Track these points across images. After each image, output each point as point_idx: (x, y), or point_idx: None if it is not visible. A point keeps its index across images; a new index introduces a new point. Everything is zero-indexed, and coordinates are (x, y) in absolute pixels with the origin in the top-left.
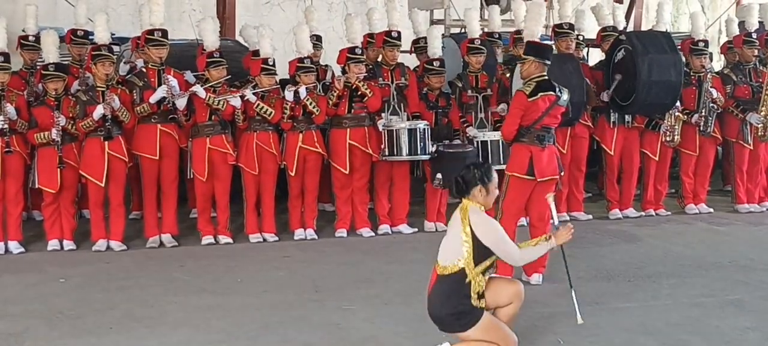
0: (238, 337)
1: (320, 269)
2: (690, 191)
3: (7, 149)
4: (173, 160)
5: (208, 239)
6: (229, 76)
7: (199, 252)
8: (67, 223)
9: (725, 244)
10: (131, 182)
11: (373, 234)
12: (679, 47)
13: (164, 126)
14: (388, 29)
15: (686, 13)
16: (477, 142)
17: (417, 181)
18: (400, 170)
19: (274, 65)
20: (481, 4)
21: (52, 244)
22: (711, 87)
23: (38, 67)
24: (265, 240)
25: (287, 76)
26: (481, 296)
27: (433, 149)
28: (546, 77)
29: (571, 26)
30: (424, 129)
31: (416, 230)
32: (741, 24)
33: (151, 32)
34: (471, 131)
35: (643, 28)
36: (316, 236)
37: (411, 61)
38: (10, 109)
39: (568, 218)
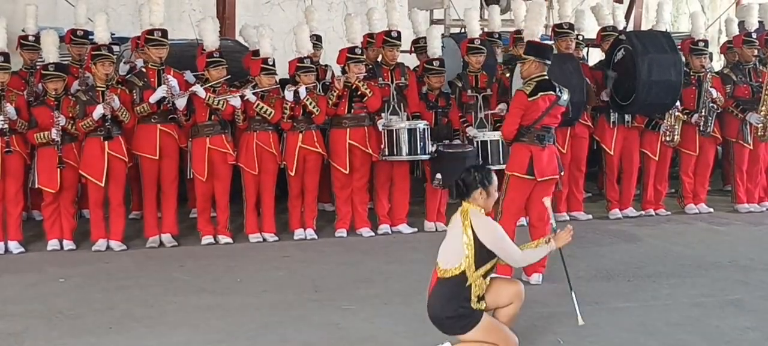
0: (237, 337)
1: (320, 268)
2: (690, 190)
3: (7, 149)
4: (173, 160)
5: (207, 239)
6: (229, 76)
7: (199, 252)
8: (66, 223)
9: (725, 244)
10: (131, 182)
11: (372, 234)
12: (679, 47)
13: (164, 126)
14: (387, 29)
15: (686, 13)
16: (477, 142)
17: (417, 181)
18: (400, 170)
19: (274, 65)
20: (481, 4)
21: (52, 244)
22: (711, 87)
23: (38, 67)
24: (264, 240)
25: (287, 76)
26: (481, 298)
27: (433, 149)
28: (546, 77)
29: (571, 26)
30: (423, 129)
31: (416, 229)
32: (741, 24)
33: (150, 32)
34: (471, 131)
35: (643, 27)
36: (315, 236)
37: (411, 61)
38: (10, 109)
39: (567, 218)
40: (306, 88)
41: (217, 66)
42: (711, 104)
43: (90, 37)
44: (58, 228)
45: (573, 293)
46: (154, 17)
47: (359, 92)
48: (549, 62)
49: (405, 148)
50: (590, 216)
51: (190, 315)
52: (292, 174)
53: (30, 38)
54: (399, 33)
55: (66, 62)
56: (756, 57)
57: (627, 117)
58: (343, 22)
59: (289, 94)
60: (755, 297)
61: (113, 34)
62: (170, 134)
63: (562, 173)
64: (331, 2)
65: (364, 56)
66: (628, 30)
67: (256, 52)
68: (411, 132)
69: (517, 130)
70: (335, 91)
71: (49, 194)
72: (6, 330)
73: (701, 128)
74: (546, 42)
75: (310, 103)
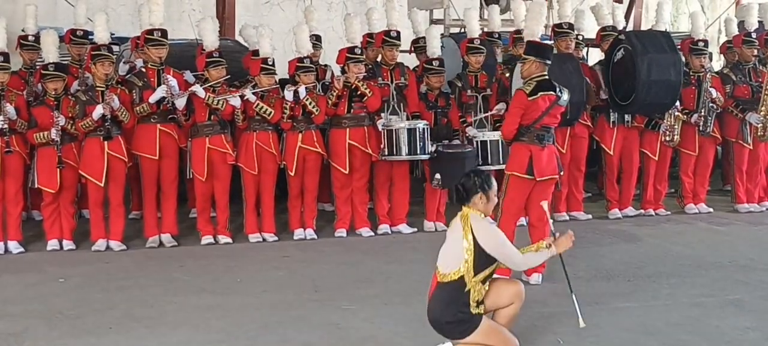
0: (237, 337)
1: (320, 269)
2: (690, 190)
3: (6, 149)
4: (173, 160)
5: (207, 239)
6: (229, 76)
7: (199, 252)
8: (66, 223)
9: (725, 244)
10: (131, 182)
11: (372, 234)
12: (679, 47)
13: (164, 126)
14: (387, 29)
15: (686, 12)
16: (476, 142)
17: (416, 181)
18: (399, 170)
19: (273, 65)
20: (481, 3)
21: (52, 244)
22: (710, 87)
23: (38, 67)
24: (264, 240)
25: (287, 76)
26: (480, 303)
27: (433, 149)
28: (547, 77)
29: (571, 26)
30: (423, 129)
31: (416, 229)
32: (740, 24)
33: (150, 32)
34: (471, 131)
35: (643, 27)
36: (315, 236)
37: (411, 61)
38: (9, 109)
39: (567, 218)
40: (306, 88)
41: (216, 66)
42: (711, 104)
43: (90, 37)
44: (58, 228)
45: (574, 296)
46: (153, 17)
47: (359, 92)
48: (549, 62)
49: (404, 148)
50: (590, 216)
51: (190, 315)
52: (292, 174)
53: (30, 38)
54: (398, 33)
55: (66, 62)
56: (756, 57)
57: (627, 117)
58: (342, 22)
59: (288, 94)
60: (755, 297)
61: (113, 34)
62: (170, 134)
63: (562, 173)
64: (331, 2)
65: (364, 56)
66: (627, 30)
67: (255, 52)
68: (410, 132)
69: (517, 129)
70: (335, 91)
71: (49, 194)
72: (6, 330)
73: (701, 128)
74: (546, 42)
75: (310, 103)
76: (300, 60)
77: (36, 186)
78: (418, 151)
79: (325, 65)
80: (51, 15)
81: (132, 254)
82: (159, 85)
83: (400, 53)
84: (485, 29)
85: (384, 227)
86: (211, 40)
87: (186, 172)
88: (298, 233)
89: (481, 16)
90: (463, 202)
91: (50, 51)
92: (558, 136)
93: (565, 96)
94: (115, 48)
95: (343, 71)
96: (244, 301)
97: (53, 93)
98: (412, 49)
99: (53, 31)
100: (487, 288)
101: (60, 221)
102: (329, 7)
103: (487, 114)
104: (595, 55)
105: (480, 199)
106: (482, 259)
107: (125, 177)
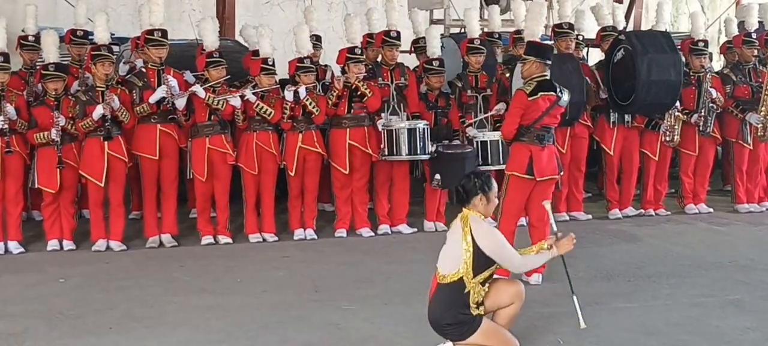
0: (237, 337)
1: (320, 269)
2: (690, 190)
3: (7, 149)
4: (173, 160)
5: (207, 239)
6: (229, 76)
7: (199, 252)
8: (66, 223)
9: (725, 244)
10: (131, 182)
11: (372, 234)
12: (679, 47)
13: (164, 126)
14: (387, 29)
15: (686, 13)
16: (476, 142)
17: (416, 181)
18: (399, 170)
19: (273, 65)
20: (481, 4)
21: (52, 244)
22: (710, 87)
23: (38, 67)
24: (264, 240)
25: (287, 76)
26: (480, 304)
27: (433, 149)
28: (547, 77)
29: (571, 26)
30: (423, 129)
31: (416, 230)
32: (740, 24)
33: (150, 32)
34: (471, 131)
35: (643, 28)
36: (315, 236)
37: (411, 61)
38: (9, 109)
39: (567, 218)
40: (306, 88)
41: (216, 66)
42: (711, 104)
43: (90, 37)
44: (58, 228)
45: (575, 298)
46: (153, 17)
47: (359, 92)
48: (550, 62)
49: (405, 148)
50: (590, 216)
51: (190, 315)
52: (292, 174)
53: (30, 38)
54: (398, 33)
55: (66, 62)
56: (756, 57)
57: (627, 117)
58: (342, 22)
59: (288, 95)
60: (755, 297)
61: (113, 34)
62: (170, 134)
63: (562, 173)
64: (331, 2)
65: (364, 56)
66: (627, 30)
67: (255, 52)
68: (411, 132)
69: (517, 130)
70: (335, 92)
71: (49, 194)
72: (6, 330)
73: (701, 128)
74: (546, 42)
75: (310, 104)
76: (300, 60)
77: (36, 186)
78: (418, 152)
79: (326, 65)
80: (51, 15)
81: (132, 254)
82: (159, 85)
83: (400, 53)
84: (485, 29)
85: (384, 227)
86: (211, 41)
87: (186, 172)
88: (299, 233)
89: (481, 17)
90: (463, 203)
91: (50, 51)
92: (558, 136)
93: (566, 96)
94: (115, 48)
95: (344, 71)
96: (245, 301)
97: (53, 93)
98: (412, 49)
99: (53, 31)
100: (486, 289)
101: (60, 221)
102: (329, 8)
103: (487, 114)
104: (595, 56)
105: (480, 200)
106: (481, 261)
107: (125, 177)
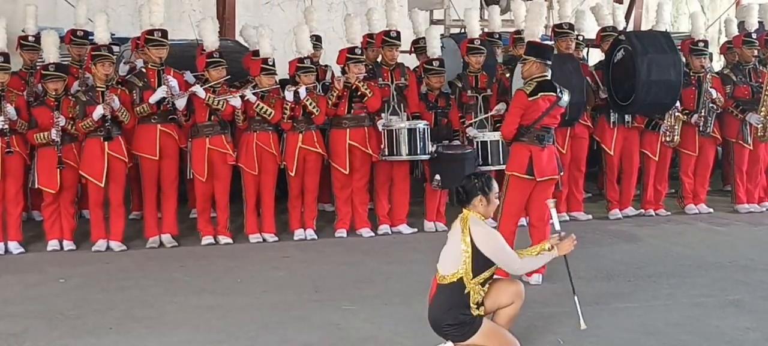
0: (238, 337)
1: (320, 269)
2: (690, 191)
3: (7, 149)
4: (173, 160)
5: (207, 239)
6: (229, 77)
7: (199, 252)
8: (66, 223)
9: (725, 244)
10: (131, 182)
11: (372, 234)
12: (679, 47)
13: (164, 126)
14: (387, 29)
15: (686, 13)
16: (477, 142)
17: (417, 181)
18: (399, 170)
19: (273, 65)
20: (481, 4)
21: (52, 244)
22: (711, 87)
23: (38, 68)
24: (264, 240)
25: (287, 76)
26: (480, 304)
27: (433, 150)
28: (548, 77)
29: (571, 26)
30: (423, 129)
31: (416, 230)
32: (740, 24)
33: (150, 32)
34: (471, 132)
35: (643, 28)
36: (315, 237)
37: (411, 61)
38: (10, 109)
39: (567, 218)
40: (306, 88)
41: (216, 66)
42: (711, 105)
43: (90, 37)
44: (58, 228)
45: (576, 298)
46: (154, 17)
47: (359, 92)
48: (550, 62)
49: (405, 149)
50: (590, 216)
51: (190, 315)
52: (292, 174)
53: (30, 38)
54: (398, 33)
55: (66, 62)
56: (756, 57)
57: (627, 117)
58: (342, 22)
59: (289, 95)
60: (755, 297)
61: (113, 35)
62: (170, 135)
63: (562, 173)
64: (331, 2)
65: (364, 56)
66: (627, 30)
67: (256, 53)
68: (411, 132)
69: (517, 130)
70: (335, 92)
71: (49, 194)
72: (6, 330)
73: (701, 129)
74: (546, 42)
75: (310, 104)
76: (300, 60)
77: (36, 186)
78: (418, 152)
79: (326, 66)
80: (51, 15)
81: (132, 254)
82: (159, 85)
83: (401, 54)
84: (485, 30)
85: (384, 228)
86: (211, 41)
87: (186, 172)
88: (299, 234)
89: (481, 17)
90: (463, 204)
91: (50, 51)
92: (558, 136)
93: (566, 97)
94: (116, 48)
95: (344, 72)
96: (245, 301)
97: (53, 93)
98: (413, 49)
99: (53, 31)
100: (486, 290)
101: (60, 222)
102: (329, 8)
103: (487, 115)
104: (595, 56)
105: (480, 201)
106: (480, 262)
107: (125, 177)
